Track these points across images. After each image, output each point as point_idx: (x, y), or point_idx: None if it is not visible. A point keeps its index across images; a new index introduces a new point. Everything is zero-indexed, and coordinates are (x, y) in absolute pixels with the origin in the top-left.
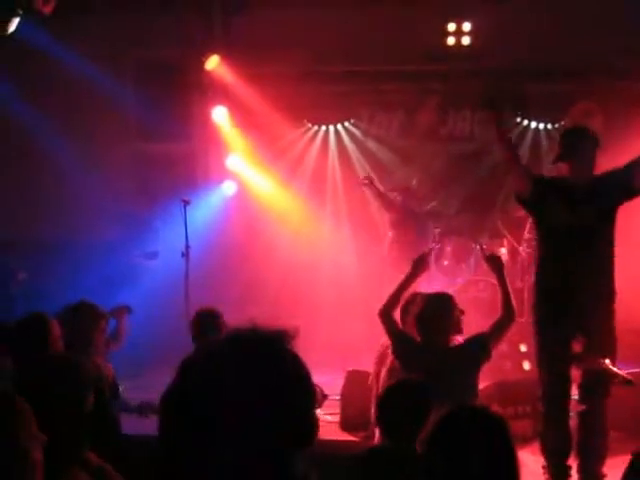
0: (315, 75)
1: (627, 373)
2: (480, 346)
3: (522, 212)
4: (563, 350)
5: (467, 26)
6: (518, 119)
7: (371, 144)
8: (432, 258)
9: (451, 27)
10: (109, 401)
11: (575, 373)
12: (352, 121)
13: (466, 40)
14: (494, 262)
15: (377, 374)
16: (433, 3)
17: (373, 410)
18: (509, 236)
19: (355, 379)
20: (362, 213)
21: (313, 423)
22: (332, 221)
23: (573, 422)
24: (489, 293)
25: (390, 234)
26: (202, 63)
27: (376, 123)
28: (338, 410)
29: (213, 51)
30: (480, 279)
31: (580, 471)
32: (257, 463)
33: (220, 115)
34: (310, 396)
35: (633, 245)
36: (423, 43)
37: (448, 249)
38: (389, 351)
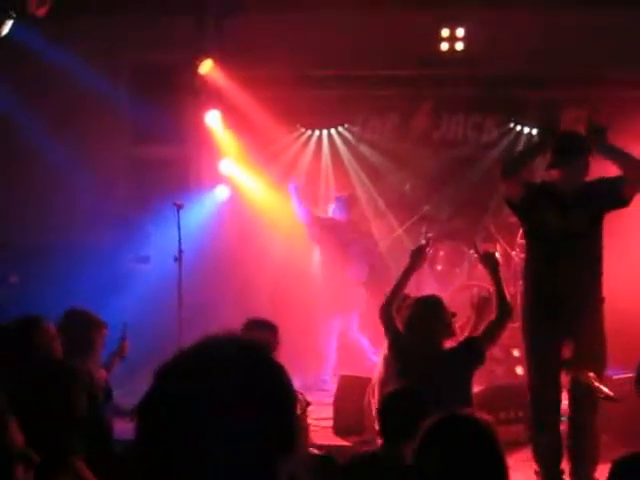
0: (309, 79)
1: (620, 378)
2: (473, 349)
3: (515, 217)
4: (553, 355)
5: (461, 32)
6: (511, 124)
7: (364, 149)
8: (429, 252)
9: (445, 33)
10: (102, 405)
11: (565, 378)
12: (346, 126)
13: (460, 46)
14: (489, 260)
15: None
16: (427, 9)
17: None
18: (502, 241)
19: (348, 384)
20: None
21: (293, 430)
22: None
23: (564, 426)
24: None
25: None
26: (195, 67)
27: (370, 128)
28: (331, 415)
29: (206, 55)
30: (474, 284)
31: (572, 475)
32: (238, 471)
33: (213, 119)
34: (290, 402)
35: (627, 249)
36: (417, 48)
37: (441, 254)
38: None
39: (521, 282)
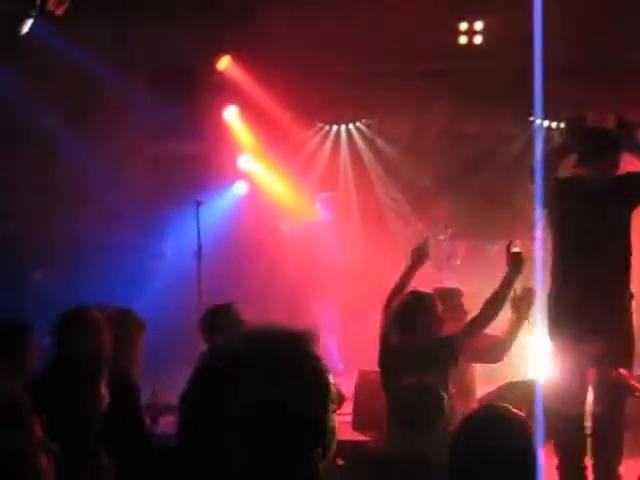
0: (327, 74)
1: None
2: (447, 347)
3: (534, 212)
4: (580, 351)
5: (479, 25)
6: (531, 118)
7: (383, 144)
8: (435, 248)
9: (463, 26)
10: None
11: (591, 374)
12: (364, 121)
13: (478, 39)
14: (516, 261)
15: None
16: (445, 2)
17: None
18: (521, 236)
19: (367, 379)
20: (374, 211)
21: (330, 424)
22: (343, 219)
23: (588, 422)
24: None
25: None
26: (214, 63)
27: (388, 123)
28: (350, 410)
29: (224, 51)
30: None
31: (595, 471)
32: (273, 463)
33: (231, 115)
34: (327, 397)
35: None
36: (435, 42)
37: (461, 249)
38: None
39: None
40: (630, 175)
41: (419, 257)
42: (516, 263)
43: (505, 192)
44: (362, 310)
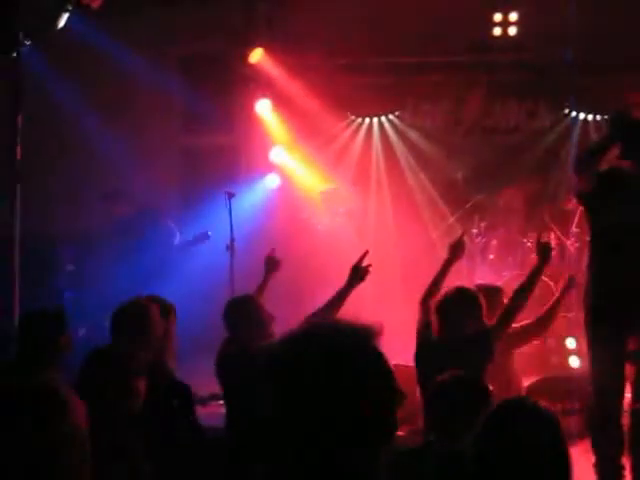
0: (359, 67)
1: None
2: (482, 342)
3: (570, 205)
4: (617, 347)
5: (514, 16)
6: (566, 110)
7: (415, 136)
8: (468, 242)
9: (497, 17)
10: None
11: (629, 370)
12: (396, 113)
13: (512, 30)
14: (544, 251)
15: None
16: None
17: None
18: (556, 230)
19: (399, 373)
20: (406, 205)
21: (394, 422)
22: (376, 213)
23: (626, 420)
24: (538, 288)
25: None
26: (246, 56)
27: (420, 115)
28: None
29: (257, 43)
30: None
31: (633, 471)
32: (337, 459)
33: (263, 107)
34: (392, 395)
35: None
36: (469, 34)
37: (494, 242)
38: None
39: (576, 272)
40: None
41: (455, 252)
42: (545, 253)
43: (539, 185)
44: (394, 302)
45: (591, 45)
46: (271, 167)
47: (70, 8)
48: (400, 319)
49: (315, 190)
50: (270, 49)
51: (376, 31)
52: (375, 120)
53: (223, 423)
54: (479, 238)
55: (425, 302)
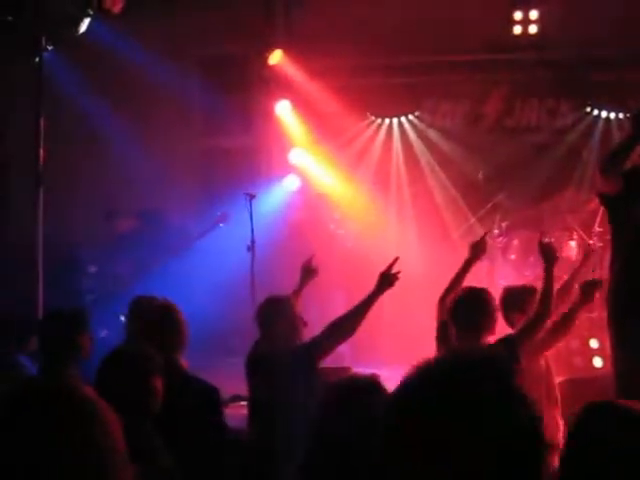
0: (378, 67)
1: None
2: (507, 348)
3: (592, 205)
4: None
5: (534, 14)
6: (588, 109)
7: (436, 136)
8: (489, 242)
9: (518, 16)
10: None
11: None
12: (416, 113)
13: (533, 29)
14: (547, 252)
15: None
16: None
17: None
18: (579, 229)
19: None
20: (427, 206)
21: (542, 446)
22: (396, 213)
23: None
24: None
25: None
26: (265, 57)
27: (441, 115)
28: None
29: (276, 45)
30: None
31: None
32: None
33: (283, 109)
34: (536, 419)
35: None
36: (489, 32)
37: (515, 242)
38: None
39: (600, 272)
40: None
41: (476, 252)
42: (547, 254)
43: (561, 185)
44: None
45: (612, 42)
46: (291, 168)
47: (91, 13)
48: (421, 321)
49: (336, 192)
50: (289, 51)
51: (396, 31)
52: (395, 120)
53: (245, 424)
54: (500, 238)
55: (443, 301)
